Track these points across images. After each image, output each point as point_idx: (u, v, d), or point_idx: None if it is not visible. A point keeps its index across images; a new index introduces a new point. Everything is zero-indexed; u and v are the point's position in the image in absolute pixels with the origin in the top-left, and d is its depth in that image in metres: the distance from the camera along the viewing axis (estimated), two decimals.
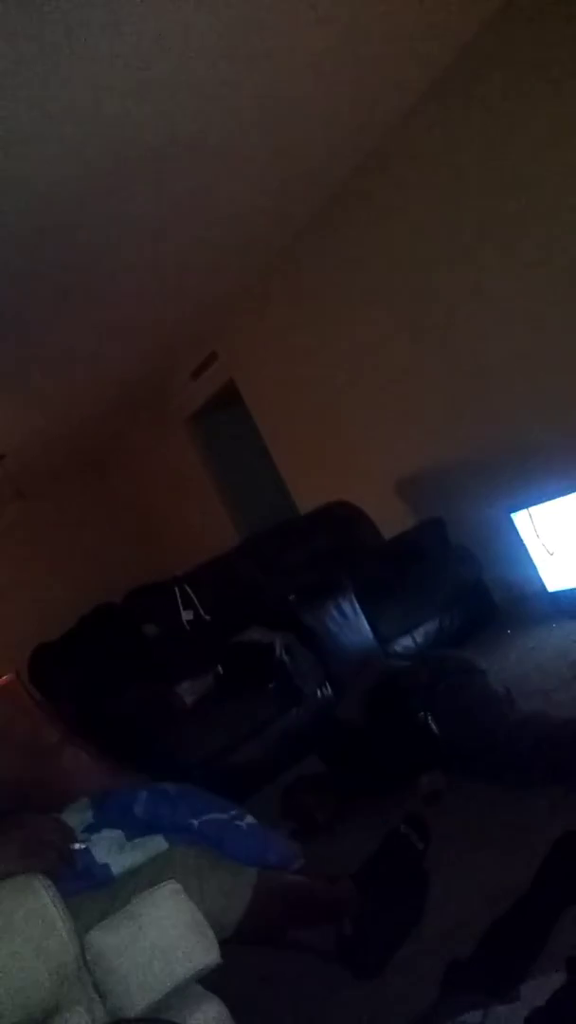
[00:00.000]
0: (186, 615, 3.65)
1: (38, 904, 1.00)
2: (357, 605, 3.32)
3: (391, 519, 4.15)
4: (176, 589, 3.72)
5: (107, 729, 2.78)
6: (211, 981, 1.26)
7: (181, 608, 3.64)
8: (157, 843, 1.42)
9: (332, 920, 1.65)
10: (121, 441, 6.72)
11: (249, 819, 1.59)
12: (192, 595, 3.73)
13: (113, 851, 1.38)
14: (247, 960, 1.52)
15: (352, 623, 3.29)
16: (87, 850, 1.34)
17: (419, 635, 3.46)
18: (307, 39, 2.68)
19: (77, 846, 1.29)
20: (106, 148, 2.74)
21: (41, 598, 6.03)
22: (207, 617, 3.66)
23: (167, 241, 3.67)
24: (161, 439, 6.44)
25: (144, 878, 1.34)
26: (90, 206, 3.06)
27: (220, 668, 3.21)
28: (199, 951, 1.17)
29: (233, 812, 1.58)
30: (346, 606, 3.31)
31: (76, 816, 1.51)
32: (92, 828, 1.44)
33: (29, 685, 4.76)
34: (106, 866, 1.34)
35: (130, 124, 2.68)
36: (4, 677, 5.27)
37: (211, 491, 6.07)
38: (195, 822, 1.48)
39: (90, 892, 1.30)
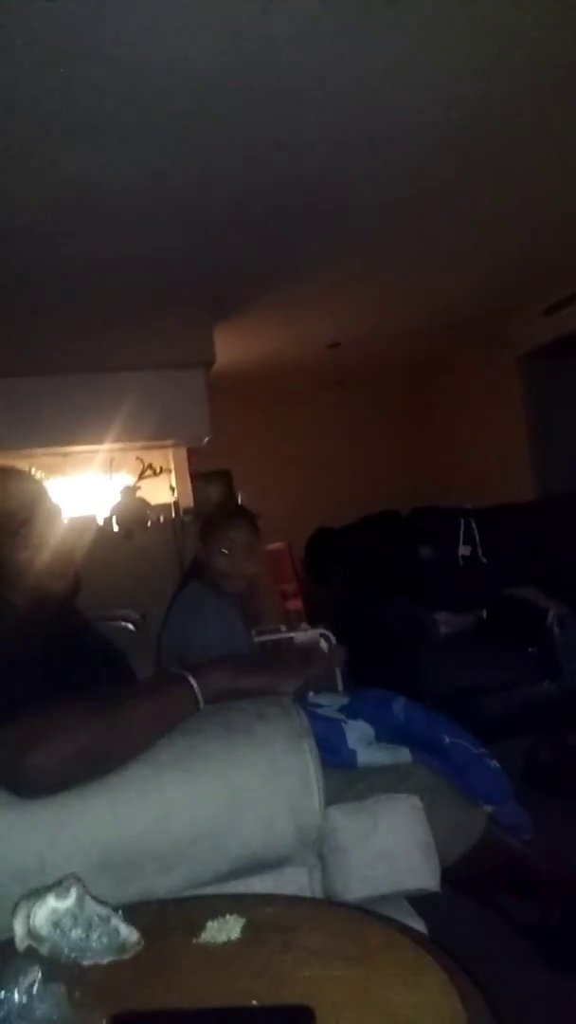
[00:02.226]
0: (463, 550, 3.56)
1: (302, 763, 1.01)
2: None
3: None
4: (461, 521, 3.63)
5: (361, 631, 2.84)
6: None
7: (461, 541, 3.55)
8: (403, 754, 1.40)
9: (543, 901, 1.56)
10: (444, 359, 6.58)
11: (495, 763, 1.52)
12: (475, 532, 3.61)
13: (362, 742, 1.39)
14: (446, 902, 1.49)
15: None
16: (341, 727, 1.36)
17: None
18: None
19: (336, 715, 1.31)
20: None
21: (329, 484, 6.28)
22: (484, 559, 3.55)
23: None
24: (484, 369, 6.18)
25: (383, 781, 1.33)
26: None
27: (484, 613, 3.11)
28: (424, 872, 1.14)
29: (482, 749, 1.52)
30: None
31: (329, 698, 1.54)
32: (347, 711, 1.46)
33: (298, 561, 5.04)
34: (354, 752, 1.35)
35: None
36: (278, 543, 5.66)
37: (522, 437, 5.75)
38: (447, 739, 1.44)
39: (331, 769, 1.33)
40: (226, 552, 2.23)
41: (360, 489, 5.81)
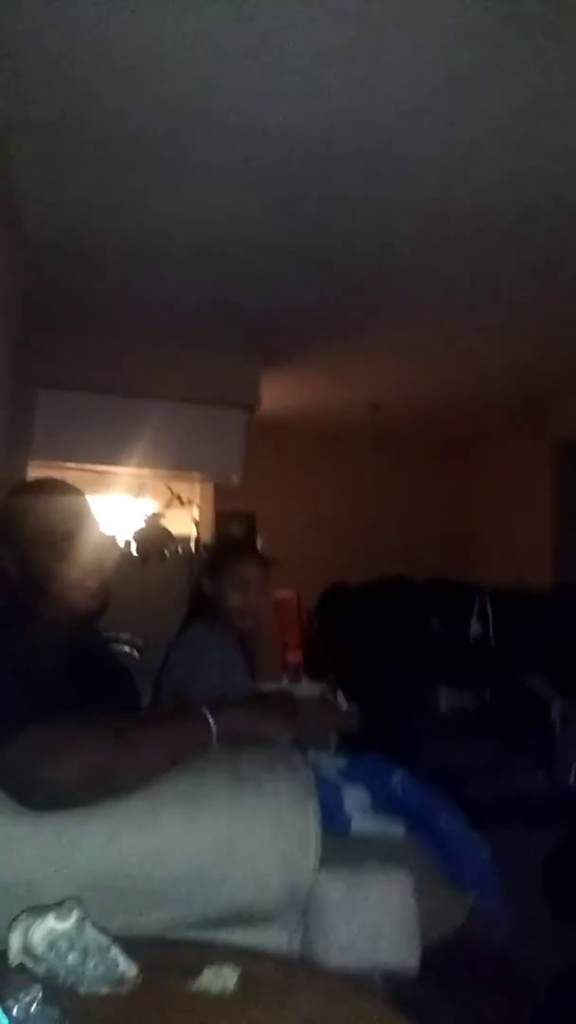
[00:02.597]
0: (475, 627, 3.55)
1: (304, 824, 1.02)
2: None
3: None
4: (476, 598, 3.63)
5: (359, 691, 2.82)
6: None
7: (474, 618, 3.55)
8: (396, 828, 1.39)
9: (514, 1000, 1.53)
10: (481, 434, 6.63)
11: (486, 853, 1.51)
12: (489, 611, 3.61)
13: (358, 809, 1.38)
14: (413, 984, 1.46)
15: None
16: (340, 791, 1.36)
17: None
18: None
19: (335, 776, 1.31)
20: None
21: (350, 541, 6.29)
22: (494, 640, 3.54)
23: None
24: (519, 451, 6.22)
25: (374, 851, 1.32)
26: None
27: (487, 695, 3.09)
28: (405, 952, 1.13)
29: (476, 837, 1.50)
30: None
31: (328, 759, 1.54)
32: (345, 776, 1.46)
33: (305, 612, 5.03)
34: (349, 819, 1.34)
35: None
36: (287, 592, 5.66)
37: (549, 523, 5.75)
38: (443, 821, 1.43)
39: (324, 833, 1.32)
40: (238, 587, 2.21)
41: (380, 551, 5.82)
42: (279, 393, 5.29)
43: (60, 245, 3.23)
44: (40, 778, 0.96)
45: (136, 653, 3.14)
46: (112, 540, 4.46)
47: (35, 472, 4.51)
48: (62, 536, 1.31)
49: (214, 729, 1.09)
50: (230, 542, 4.05)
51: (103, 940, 0.67)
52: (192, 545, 4.94)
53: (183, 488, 5.26)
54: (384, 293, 3.78)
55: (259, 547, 5.12)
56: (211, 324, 4.27)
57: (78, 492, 1.44)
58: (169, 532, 4.80)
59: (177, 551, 4.82)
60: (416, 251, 3.28)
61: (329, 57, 2.05)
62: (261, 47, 2.01)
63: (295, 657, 5.30)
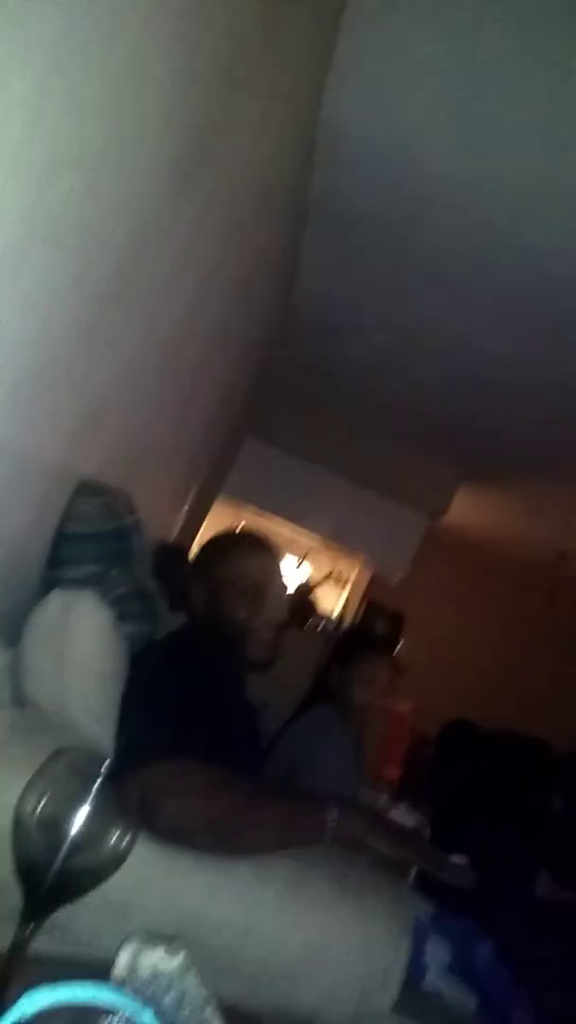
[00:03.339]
0: None
1: (392, 958, 1.02)
2: None
3: None
4: None
5: (459, 838, 2.67)
6: None
7: None
8: (469, 1001, 1.30)
9: None
10: None
11: None
12: None
13: (436, 963, 1.31)
14: None
15: None
16: (425, 937, 1.30)
17: None
18: None
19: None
20: None
21: (486, 684, 6.02)
22: None
23: None
24: None
25: (439, 1015, 1.24)
26: None
27: None
28: None
29: None
30: None
31: (420, 900, 1.47)
32: (436, 924, 1.39)
33: (427, 737, 4.88)
34: (424, 967, 1.27)
35: None
36: (407, 703, 5.50)
37: None
38: (517, 1016, 1.31)
39: None
40: (365, 684, 2.18)
41: (521, 704, 5.51)
42: (469, 510, 5.25)
43: (319, 321, 3.46)
44: (166, 811, 1.00)
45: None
46: (289, 600, 4.61)
47: (219, 506, 4.77)
48: (254, 586, 1.40)
49: (330, 828, 1.08)
50: (370, 635, 4.01)
51: (203, 993, 0.68)
52: (334, 624, 4.97)
53: (344, 566, 5.32)
54: None
55: (396, 651, 5.06)
56: (425, 428, 4.35)
57: (274, 549, 1.53)
58: (316, 604, 4.86)
59: (317, 626, 4.86)
60: None
61: None
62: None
63: (392, 774, 5.11)
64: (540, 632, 6.34)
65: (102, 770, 0.65)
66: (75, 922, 0.98)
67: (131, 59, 0.89)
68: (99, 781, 0.64)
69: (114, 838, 0.65)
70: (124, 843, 0.65)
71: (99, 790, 0.64)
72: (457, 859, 1.26)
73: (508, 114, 1.86)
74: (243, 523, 4.65)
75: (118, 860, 0.66)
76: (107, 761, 0.67)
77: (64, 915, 0.98)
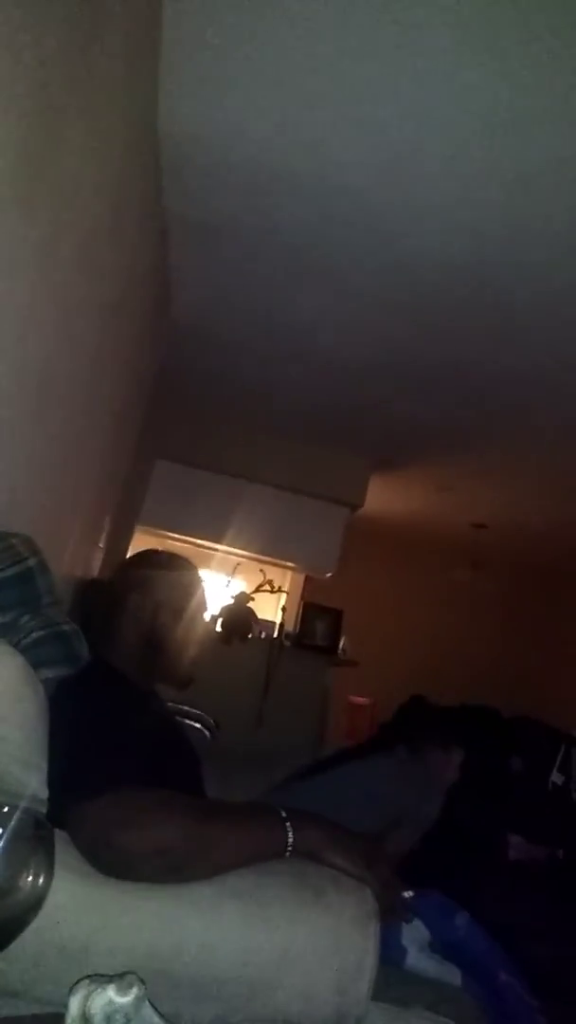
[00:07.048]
0: (556, 777, 3.35)
1: (363, 946, 0.99)
2: None
3: None
4: (562, 747, 3.43)
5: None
6: None
7: (556, 767, 3.34)
8: (453, 974, 1.31)
9: None
10: None
11: (544, 1020, 1.38)
12: (573, 765, 3.40)
13: (415, 944, 1.31)
14: None
15: None
16: (399, 921, 1.29)
17: None
18: None
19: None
20: None
21: (434, 658, 6.14)
22: (574, 795, 3.31)
23: None
24: None
25: (424, 993, 1.24)
26: None
27: (561, 852, 2.88)
28: None
29: (535, 1002, 1.38)
30: None
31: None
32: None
33: (379, 720, 4.92)
34: (404, 951, 1.28)
35: None
36: (363, 699, 5.54)
37: None
38: (503, 976, 1.32)
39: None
40: None
41: (465, 674, 5.64)
42: (385, 496, 5.34)
43: (203, 330, 3.46)
44: (114, 843, 0.97)
45: (207, 733, 3.13)
46: (229, 614, 4.58)
47: (139, 537, 4.69)
48: (195, 610, 1.42)
49: (290, 845, 1.06)
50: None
51: (158, 1022, 0.66)
52: (276, 631, 4.95)
53: (276, 574, 5.31)
54: (504, 414, 3.81)
55: (341, 647, 5.08)
56: (329, 424, 4.40)
57: (196, 569, 1.54)
58: (255, 614, 4.84)
59: (260, 635, 4.84)
60: (537, 379, 3.31)
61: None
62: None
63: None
64: (475, 600, 6.51)
65: (13, 819, 0.62)
66: (38, 984, 0.93)
67: None
68: (10, 828, 0.61)
69: (29, 878, 0.62)
70: (40, 881, 0.62)
71: (11, 836, 0.61)
72: (408, 895, 1.27)
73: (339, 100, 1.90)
74: (167, 546, 4.60)
75: (38, 901, 0.63)
76: (19, 807, 0.64)
77: (21, 979, 0.94)
